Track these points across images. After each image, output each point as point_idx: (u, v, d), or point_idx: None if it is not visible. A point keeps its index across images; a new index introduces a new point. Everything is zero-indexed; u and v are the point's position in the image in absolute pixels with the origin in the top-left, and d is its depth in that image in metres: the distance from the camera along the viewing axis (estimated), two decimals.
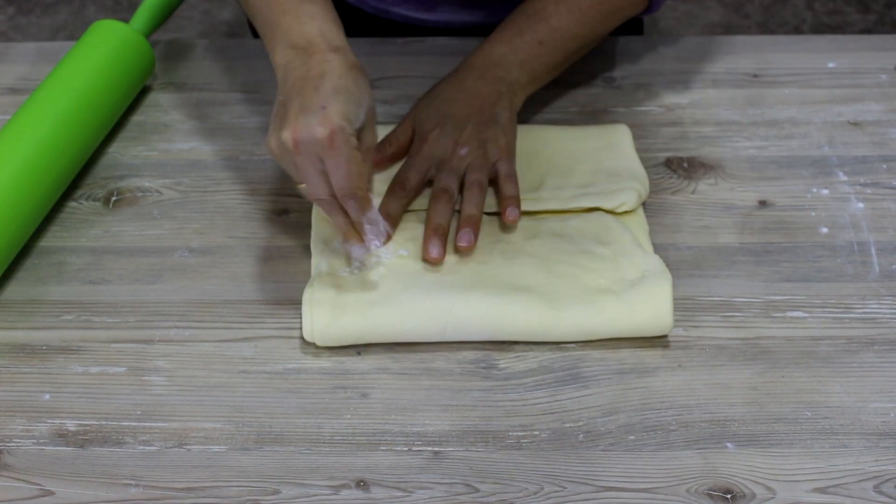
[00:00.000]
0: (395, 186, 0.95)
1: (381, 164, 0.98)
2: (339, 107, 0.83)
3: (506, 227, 0.95)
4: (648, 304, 0.87)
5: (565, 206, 0.97)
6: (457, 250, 0.91)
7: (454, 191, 0.94)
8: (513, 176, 0.96)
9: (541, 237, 0.93)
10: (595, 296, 0.88)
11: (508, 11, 1.10)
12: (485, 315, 0.87)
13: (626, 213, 0.96)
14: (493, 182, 0.96)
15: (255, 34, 1.09)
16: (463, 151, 0.96)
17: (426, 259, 0.91)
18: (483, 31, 1.18)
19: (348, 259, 0.91)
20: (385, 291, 0.88)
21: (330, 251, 0.92)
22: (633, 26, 1.18)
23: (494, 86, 1.00)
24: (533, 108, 1.10)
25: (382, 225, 0.89)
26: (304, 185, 0.86)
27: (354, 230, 0.89)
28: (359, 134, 0.86)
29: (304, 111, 0.83)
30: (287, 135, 0.83)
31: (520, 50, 1.02)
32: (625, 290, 0.88)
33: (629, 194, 0.96)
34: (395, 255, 0.92)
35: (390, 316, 0.87)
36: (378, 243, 0.90)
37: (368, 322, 0.87)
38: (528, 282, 0.89)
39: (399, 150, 0.99)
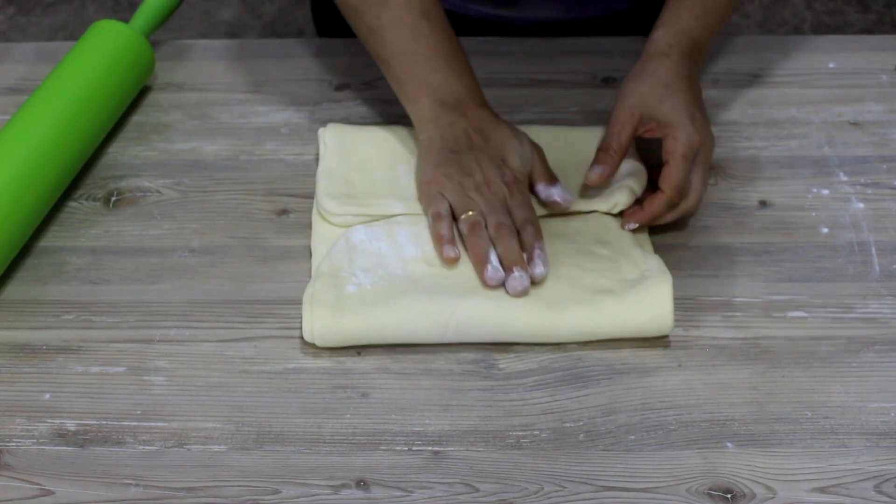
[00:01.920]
0: (675, 196, 0.94)
1: (609, 174, 0.96)
2: (514, 159, 0.95)
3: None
4: (649, 304, 0.87)
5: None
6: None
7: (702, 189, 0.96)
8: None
9: (548, 238, 0.93)
10: (595, 296, 0.88)
11: (587, 6, 1.10)
12: (485, 317, 0.87)
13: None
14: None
15: (317, 32, 1.07)
16: (708, 146, 0.96)
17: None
18: (559, 28, 1.18)
19: (350, 259, 0.91)
20: (386, 293, 0.88)
21: (331, 251, 0.92)
22: (633, 26, 1.18)
23: (698, 68, 1.00)
24: (533, 108, 1.10)
25: (543, 258, 0.90)
26: (473, 213, 0.93)
27: (519, 257, 0.90)
28: (531, 174, 0.96)
29: (485, 161, 0.95)
30: (479, 179, 0.94)
31: (711, 33, 1.01)
32: (625, 291, 0.88)
33: (622, 193, 0.96)
34: (399, 257, 0.92)
35: (391, 318, 0.87)
36: (543, 270, 0.90)
37: (369, 323, 0.87)
38: None
39: (624, 153, 0.97)
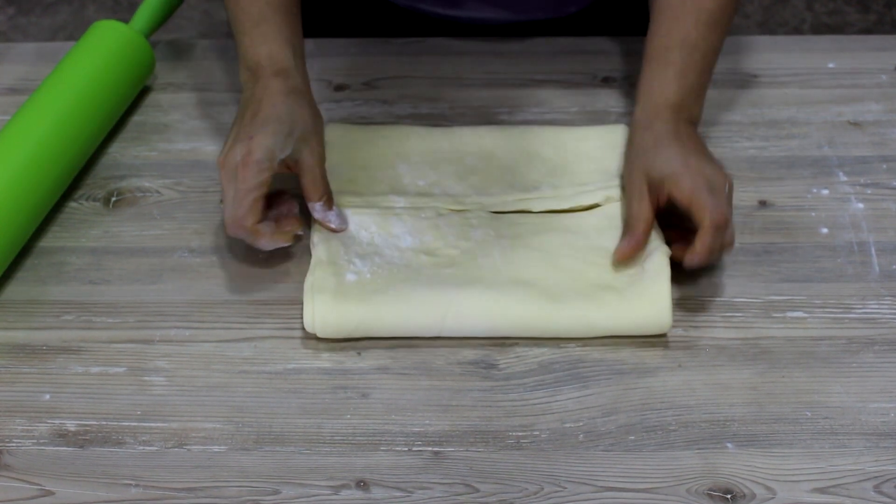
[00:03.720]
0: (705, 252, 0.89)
1: (639, 248, 0.91)
2: (262, 139, 0.90)
3: (513, 223, 0.94)
4: (647, 301, 0.87)
5: (563, 205, 0.97)
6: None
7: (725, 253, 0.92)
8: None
9: (548, 232, 0.94)
10: (595, 291, 0.88)
11: (533, 10, 1.10)
12: (484, 307, 0.87)
13: None
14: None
15: None
16: (729, 213, 0.91)
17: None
18: (509, 29, 1.18)
19: (345, 247, 0.91)
20: (385, 281, 0.89)
21: (327, 239, 0.92)
22: (633, 26, 1.18)
23: (693, 130, 0.97)
24: (533, 108, 1.10)
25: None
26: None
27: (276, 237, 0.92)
28: (294, 156, 0.91)
29: (237, 139, 0.91)
30: (225, 151, 0.91)
31: (691, 89, 0.98)
32: (625, 287, 0.88)
33: (620, 190, 0.96)
34: (396, 247, 0.92)
35: (390, 304, 0.87)
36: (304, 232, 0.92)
37: (369, 310, 0.87)
38: (528, 275, 0.89)
39: (650, 227, 0.92)
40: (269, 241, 0.92)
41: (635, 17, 1.13)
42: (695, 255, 0.89)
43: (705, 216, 0.89)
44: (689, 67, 0.98)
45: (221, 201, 0.92)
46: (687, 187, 0.91)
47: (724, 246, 0.91)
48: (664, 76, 0.98)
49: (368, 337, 0.88)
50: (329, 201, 0.94)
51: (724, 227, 0.90)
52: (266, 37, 0.97)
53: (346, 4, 1.24)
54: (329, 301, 0.87)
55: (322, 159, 0.93)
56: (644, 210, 0.92)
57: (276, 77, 0.95)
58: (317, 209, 0.93)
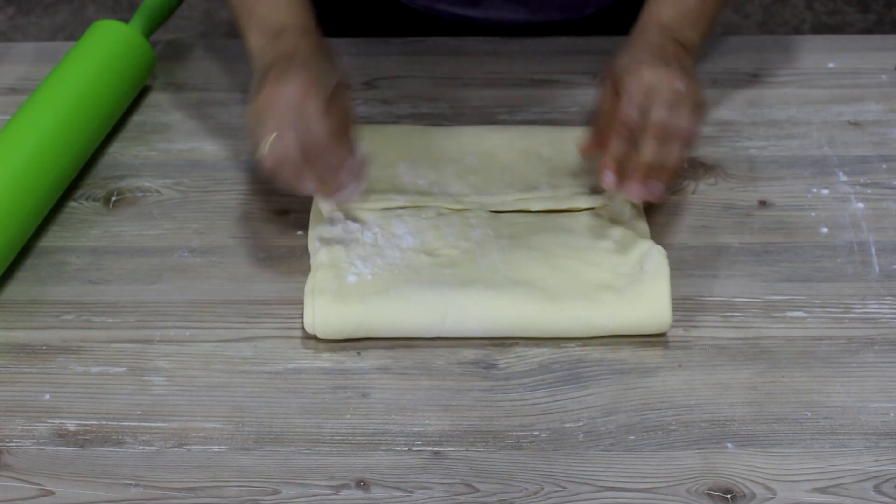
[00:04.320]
0: (620, 128, 0.89)
1: (601, 145, 0.92)
2: (309, 74, 0.90)
3: (512, 223, 0.94)
4: (647, 300, 0.87)
5: (562, 205, 0.96)
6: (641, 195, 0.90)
7: (668, 125, 0.88)
8: (698, 131, 0.91)
9: (547, 232, 0.94)
10: (595, 291, 0.88)
11: (551, 9, 1.10)
12: (484, 307, 0.87)
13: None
14: None
15: None
16: (677, 84, 0.90)
17: (638, 197, 0.89)
18: (528, 30, 1.18)
19: (347, 249, 0.91)
20: (387, 283, 0.89)
21: (328, 242, 0.92)
22: (602, 30, 1.18)
23: (676, 45, 0.96)
24: (533, 108, 1.10)
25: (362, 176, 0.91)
26: (269, 143, 0.88)
27: (329, 183, 0.89)
28: (331, 101, 0.90)
29: (278, 79, 0.89)
30: (266, 94, 0.89)
31: (686, 14, 0.99)
32: (624, 287, 0.88)
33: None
34: (397, 247, 0.92)
35: (391, 306, 0.87)
36: (356, 187, 0.90)
37: (369, 311, 0.87)
38: (528, 275, 0.89)
39: (611, 118, 0.92)
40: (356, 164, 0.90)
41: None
42: (610, 144, 0.89)
43: (629, 85, 0.89)
44: (680, 2, 0.99)
45: (257, 151, 0.89)
46: (637, 72, 0.90)
47: (666, 158, 0.88)
48: (661, 3, 0.99)
49: (369, 337, 0.88)
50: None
51: (655, 99, 0.88)
52: (288, 2, 0.98)
53: (359, 4, 1.24)
54: (329, 303, 0.87)
55: (351, 114, 0.94)
56: (603, 100, 0.93)
57: (303, 37, 0.95)
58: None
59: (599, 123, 0.94)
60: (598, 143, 0.94)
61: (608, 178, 0.90)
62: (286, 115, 0.88)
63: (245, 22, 0.99)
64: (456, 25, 1.21)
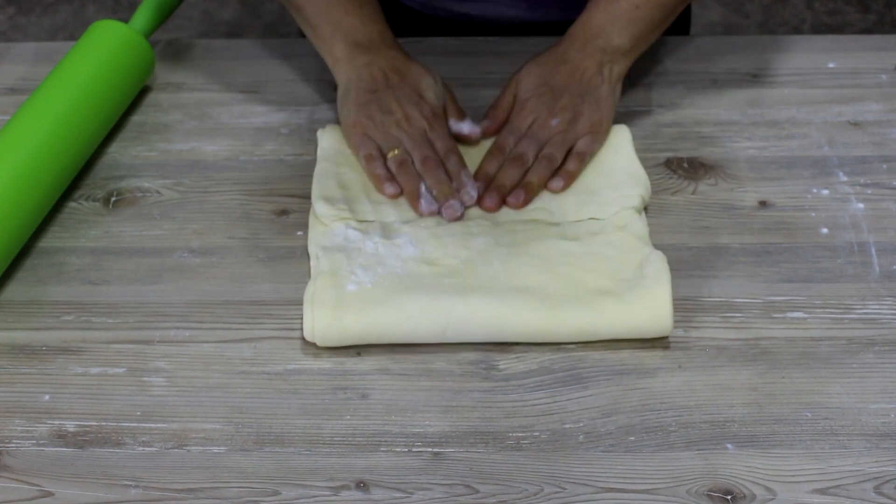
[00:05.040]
0: (495, 150, 1.01)
1: (491, 131, 1.03)
2: (429, 94, 1.02)
3: (512, 231, 0.94)
4: (648, 305, 0.87)
5: (568, 217, 0.96)
6: (505, 203, 0.97)
7: (529, 159, 0.99)
8: (584, 154, 1.00)
9: (548, 239, 0.93)
10: (595, 297, 0.88)
11: (549, 5, 1.11)
12: (485, 316, 0.87)
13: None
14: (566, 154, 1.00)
15: (297, 31, 1.13)
16: (554, 122, 1.00)
17: (484, 207, 0.97)
18: (522, 30, 1.18)
19: (348, 258, 0.91)
20: (386, 292, 0.88)
21: (330, 250, 0.92)
22: None
23: (595, 57, 1.02)
24: None
25: (472, 184, 0.97)
26: (399, 151, 0.99)
27: (449, 188, 0.96)
28: (445, 110, 1.03)
29: (403, 99, 1.00)
30: (399, 116, 1.00)
31: (618, 17, 1.03)
32: (625, 292, 0.88)
33: (632, 200, 0.96)
34: (398, 256, 0.92)
35: (391, 316, 0.87)
36: (473, 194, 0.97)
37: (369, 322, 0.87)
38: (528, 283, 0.89)
39: (503, 116, 1.04)
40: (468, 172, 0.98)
41: None
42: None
43: (514, 111, 1.02)
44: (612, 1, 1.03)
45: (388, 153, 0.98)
46: (524, 105, 1.01)
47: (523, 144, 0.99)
48: (594, 3, 1.05)
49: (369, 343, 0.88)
50: (463, 115, 1.04)
51: (526, 134, 1.00)
52: (375, 18, 1.06)
53: None
54: (328, 313, 0.87)
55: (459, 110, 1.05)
56: (502, 96, 1.04)
57: (396, 49, 1.05)
58: (456, 125, 1.03)
59: (493, 116, 1.04)
60: (491, 132, 1.04)
61: (479, 188, 0.98)
62: (416, 135, 0.99)
63: (324, 28, 1.05)
64: (454, 25, 1.21)
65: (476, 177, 0.99)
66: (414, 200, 0.96)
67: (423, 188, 0.96)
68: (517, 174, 0.98)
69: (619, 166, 1.00)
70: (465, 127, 1.03)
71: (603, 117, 1.01)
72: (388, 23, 1.07)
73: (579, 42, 1.03)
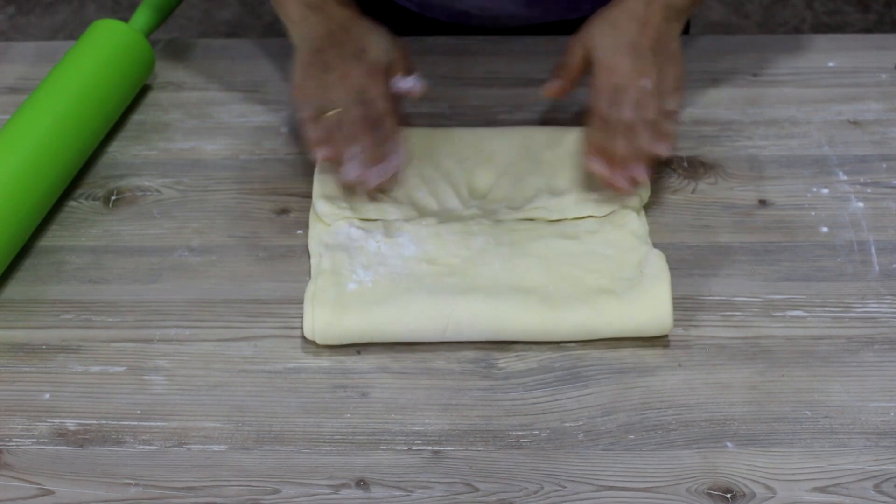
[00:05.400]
0: (597, 120, 0.97)
1: (559, 92, 1.02)
2: (373, 51, 0.99)
3: (512, 230, 0.94)
4: (648, 304, 0.87)
5: (567, 215, 0.96)
6: (633, 182, 0.96)
7: (637, 125, 0.96)
8: (676, 113, 0.98)
9: (547, 238, 0.93)
10: (595, 296, 0.88)
11: (547, 3, 1.12)
12: (485, 316, 0.87)
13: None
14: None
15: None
16: (645, 83, 0.97)
17: (618, 189, 0.95)
18: (524, 30, 1.17)
19: (350, 257, 0.91)
20: (386, 291, 0.88)
21: (332, 249, 0.92)
22: None
23: (663, 13, 1.00)
24: (534, 108, 1.10)
25: (398, 152, 0.97)
26: (333, 113, 0.96)
27: (377, 152, 0.95)
28: (392, 67, 1.00)
29: (344, 57, 0.98)
30: (337, 74, 0.97)
31: None
32: (624, 291, 0.88)
33: (631, 199, 0.96)
34: (400, 255, 0.92)
35: (391, 316, 0.87)
36: (399, 162, 0.96)
37: (369, 322, 0.87)
38: (528, 283, 0.89)
39: (574, 77, 1.02)
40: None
41: None
42: (588, 143, 0.97)
43: (599, 75, 0.97)
44: None
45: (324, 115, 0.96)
46: (607, 68, 0.97)
47: (638, 151, 0.95)
48: None
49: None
50: (410, 73, 1.02)
51: (622, 99, 0.96)
52: None
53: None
54: (329, 313, 0.87)
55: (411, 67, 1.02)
56: (573, 55, 1.01)
57: (345, 8, 1.01)
58: (400, 82, 1.00)
59: (563, 76, 1.02)
60: (559, 92, 1.03)
61: (595, 165, 0.96)
62: (352, 94, 0.96)
63: None
64: (452, 26, 1.21)
65: (588, 151, 0.97)
66: (339, 164, 0.96)
67: (348, 153, 0.95)
68: (630, 144, 0.96)
69: None
70: (409, 82, 1.01)
71: (681, 72, 0.99)
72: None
73: (651, 6, 1.00)
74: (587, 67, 1.00)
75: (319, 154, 0.96)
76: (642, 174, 0.95)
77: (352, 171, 0.95)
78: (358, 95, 0.96)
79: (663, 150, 0.96)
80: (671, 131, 0.97)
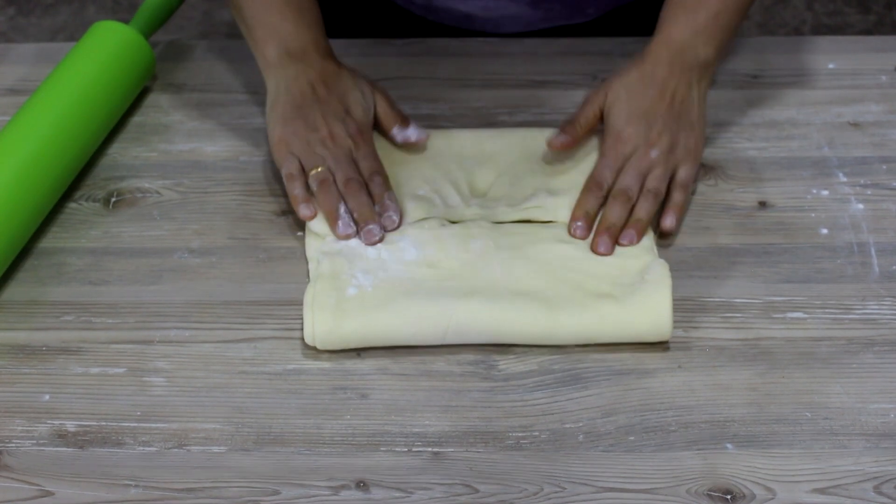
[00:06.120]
0: (593, 185, 0.97)
1: (565, 147, 1.00)
2: (357, 110, 0.99)
3: (512, 233, 0.94)
4: (648, 310, 0.87)
5: (559, 217, 0.96)
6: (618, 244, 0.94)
7: (634, 194, 0.96)
8: (686, 184, 0.97)
9: (548, 242, 0.93)
10: (595, 301, 0.88)
11: (550, 4, 1.13)
12: (485, 320, 0.87)
13: None
14: (669, 183, 0.97)
15: None
16: (653, 153, 0.97)
17: (596, 251, 0.93)
18: (528, 34, 1.17)
19: (350, 262, 0.91)
20: (386, 296, 0.88)
21: (331, 253, 0.92)
22: (636, 27, 1.18)
23: (685, 76, 0.99)
24: (532, 109, 1.10)
25: (394, 208, 0.95)
26: (321, 170, 0.96)
27: (370, 211, 0.94)
28: (379, 120, 1.02)
29: (329, 114, 0.98)
30: (324, 134, 0.97)
31: (700, 30, 1.00)
32: (625, 296, 0.88)
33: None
34: (401, 260, 0.91)
35: (391, 320, 0.87)
36: (395, 218, 0.94)
37: (369, 327, 0.87)
38: (529, 287, 0.89)
39: (581, 136, 1.01)
40: (392, 195, 0.96)
41: (651, 27, 1.12)
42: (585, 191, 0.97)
43: (608, 142, 0.98)
44: (700, 5, 1.00)
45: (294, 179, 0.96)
46: (619, 135, 0.97)
47: (640, 220, 0.94)
48: (673, 14, 1.01)
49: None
50: (406, 122, 1.02)
51: (627, 168, 0.96)
52: (311, 25, 1.03)
53: (358, 9, 1.24)
54: (329, 319, 0.87)
55: (398, 115, 1.03)
56: (590, 116, 1.00)
57: (326, 60, 1.02)
58: (401, 133, 1.01)
59: (571, 133, 1.00)
60: (565, 148, 1.00)
61: (577, 230, 0.95)
62: (340, 155, 0.96)
63: (258, 31, 1.03)
64: (456, 30, 1.20)
65: (574, 215, 0.95)
66: (332, 221, 0.94)
67: (342, 209, 0.94)
68: (624, 212, 0.94)
69: None
70: (413, 134, 1.01)
71: (699, 142, 0.98)
72: (323, 29, 1.04)
73: (665, 60, 0.99)
74: (598, 126, 1.01)
75: (303, 212, 0.95)
76: (630, 240, 0.93)
77: (344, 229, 0.93)
78: (346, 155, 0.97)
79: (667, 223, 0.95)
80: (680, 203, 0.96)
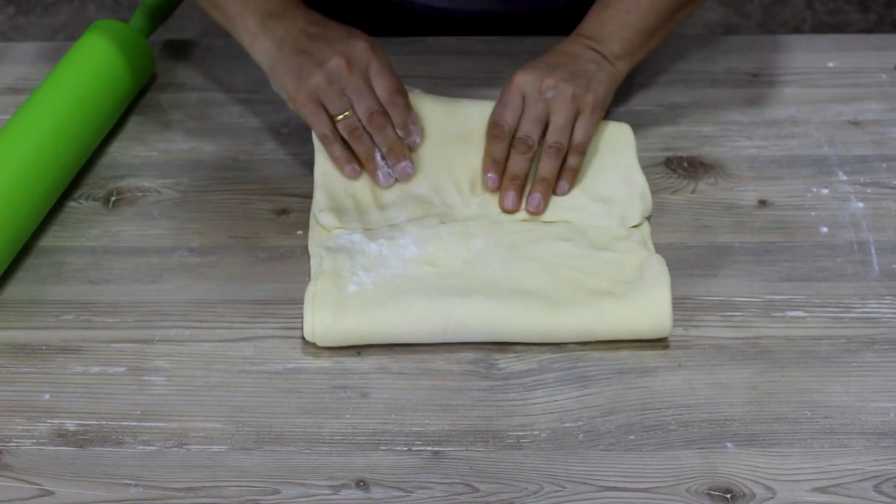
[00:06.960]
0: (495, 129, 0.98)
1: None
2: (356, 33, 0.98)
3: (512, 231, 0.94)
4: (647, 307, 0.87)
5: (556, 217, 0.96)
6: (527, 210, 0.96)
7: (534, 142, 0.97)
8: (583, 146, 0.98)
9: (548, 240, 0.93)
10: (595, 299, 0.88)
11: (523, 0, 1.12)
12: (485, 318, 0.87)
13: None
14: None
15: None
16: (549, 93, 0.97)
17: (503, 208, 0.95)
18: (499, 24, 1.17)
19: (351, 259, 0.91)
20: (387, 293, 0.88)
21: (333, 250, 0.92)
22: (574, 24, 1.18)
23: (592, 56, 1.01)
24: None
25: (417, 131, 0.98)
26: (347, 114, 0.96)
27: (399, 145, 0.97)
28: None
29: (334, 43, 0.96)
30: (336, 62, 0.95)
31: (608, 22, 1.02)
32: (624, 294, 0.88)
33: (633, 219, 0.96)
34: (402, 257, 0.91)
35: (391, 318, 0.87)
36: (418, 140, 0.98)
37: (369, 324, 0.87)
38: (528, 285, 0.89)
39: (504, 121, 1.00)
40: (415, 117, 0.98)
41: None
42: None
43: (504, 87, 0.98)
44: (612, 3, 1.02)
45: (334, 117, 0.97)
46: (513, 76, 0.97)
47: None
48: (588, 14, 1.04)
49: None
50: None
51: (526, 114, 0.96)
52: None
53: (337, 3, 1.24)
54: (329, 316, 0.87)
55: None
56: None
57: (310, 11, 1.01)
58: (408, 140, 1.00)
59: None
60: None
61: (490, 182, 0.97)
62: (358, 77, 0.95)
63: (234, 8, 1.01)
64: (430, 20, 1.20)
65: (484, 166, 0.98)
66: (373, 173, 0.97)
67: (378, 156, 0.97)
68: (526, 162, 0.96)
69: (621, 172, 0.99)
70: (416, 139, 1.00)
71: (596, 107, 0.98)
72: (364, 17, 1.05)
73: (572, 40, 1.03)
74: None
75: (349, 173, 0.98)
76: (536, 204, 0.95)
77: (385, 179, 0.97)
78: (363, 78, 0.96)
79: (561, 191, 0.97)
80: (574, 167, 0.98)
